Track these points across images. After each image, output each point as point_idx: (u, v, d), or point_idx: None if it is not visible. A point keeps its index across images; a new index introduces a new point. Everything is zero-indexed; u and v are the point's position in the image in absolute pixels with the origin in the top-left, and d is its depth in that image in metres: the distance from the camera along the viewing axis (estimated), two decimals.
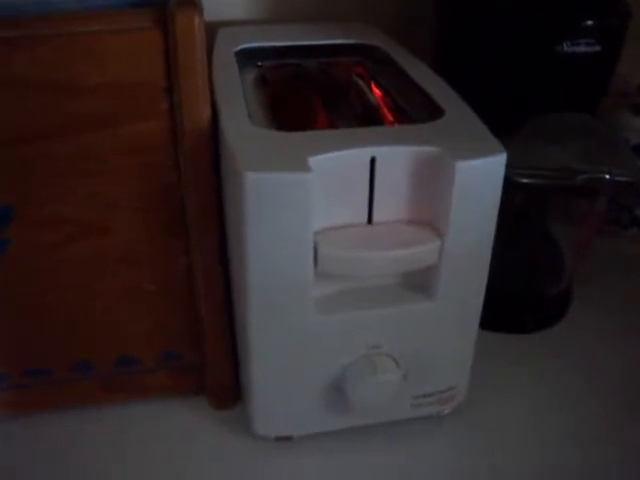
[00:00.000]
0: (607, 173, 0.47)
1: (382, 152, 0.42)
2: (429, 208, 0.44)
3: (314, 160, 0.40)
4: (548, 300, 0.67)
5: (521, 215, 0.60)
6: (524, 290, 0.66)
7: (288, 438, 0.51)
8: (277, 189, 0.39)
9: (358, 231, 0.44)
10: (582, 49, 0.51)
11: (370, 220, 0.44)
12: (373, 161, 0.42)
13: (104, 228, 0.48)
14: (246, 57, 0.58)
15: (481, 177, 0.43)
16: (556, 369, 0.60)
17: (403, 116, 0.50)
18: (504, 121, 0.46)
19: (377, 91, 0.56)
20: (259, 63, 0.59)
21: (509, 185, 0.45)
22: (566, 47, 0.51)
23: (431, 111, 0.48)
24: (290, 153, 0.41)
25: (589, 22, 0.51)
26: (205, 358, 0.53)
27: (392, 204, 0.44)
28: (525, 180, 0.48)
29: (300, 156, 0.40)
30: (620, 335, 0.64)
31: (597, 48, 0.51)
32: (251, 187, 0.39)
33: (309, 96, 0.55)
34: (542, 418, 0.55)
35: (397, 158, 0.42)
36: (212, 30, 0.60)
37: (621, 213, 0.77)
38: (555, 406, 0.56)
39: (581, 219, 0.62)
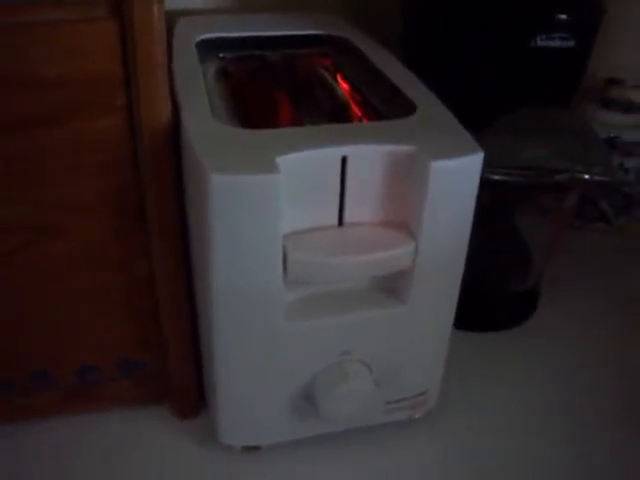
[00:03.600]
0: (586, 173, 0.46)
1: (354, 151, 0.40)
2: (402, 209, 0.42)
3: (282, 160, 0.38)
4: (517, 297, 0.66)
5: (490, 211, 0.59)
6: (493, 287, 0.65)
7: (256, 448, 0.50)
8: (244, 191, 0.37)
9: (328, 234, 0.42)
10: (556, 43, 0.50)
11: (341, 222, 0.42)
12: (344, 160, 0.40)
13: (59, 231, 0.45)
14: (208, 48, 0.55)
15: (457, 177, 0.41)
16: (526, 366, 0.60)
17: (373, 112, 0.48)
18: (476, 116, 0.44)
19: (344, 85, 0.54)
20: (221, 55, 0.56)
21: (484, 183, 0.43)
22: (540, 41, 0.50)
23: (402, 107, 0.46)
24: (257, 153, 0.39)
25: (564, 16, 0.50)
26: (167, 365, 0.51)
27: (364, 205, 0.42)
28: (500, 177, 0.47)
29: (267, 156, 0.38)
30: (588, 329, 0.64)
31: (571, 43, 0.50)
32: (217, 190, 0.37)
33: (274, 90, 0.53)
34: (513, 418, 0.54)
35: (369, 157, 0.41)
36: (171, 19, 0.57)
37: (587, 207, 0.77)
38: (526, 404, 0.56)
39: (551, 215, 0.61)
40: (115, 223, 0.46)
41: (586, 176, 0.46)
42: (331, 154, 0.40)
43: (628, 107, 0.74)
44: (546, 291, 0.67)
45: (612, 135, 0.73)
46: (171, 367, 0.51)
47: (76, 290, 0.48)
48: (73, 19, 0.40)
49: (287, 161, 0.38)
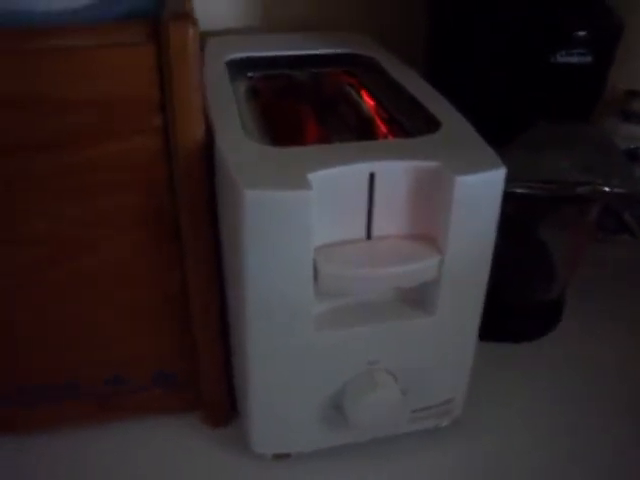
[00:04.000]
0: (606, 185, 0.47)
1: (381, 167, 0.41)
2: (428, 223, 0.44)
3: (313, 176, 0.40)
4: (541, 308, 0.67)
5: (514, 224, 0.60)
6: (517, 298, 0.66)
7: (286, 455, 0.51)
8: (277, 207, 0.39)
9: (357, 247, 0.43)
10: (575, 59, 0.51)
11: (369, 235, 0.44)
12: (372, 176, 0.41)
13: (94, 246, 0.47)
14: (237, 68, 0.57)
15: (480, 192, 0.42)
16: (551, 377, 0.60)
17: (398, 128, 0.50)
18: (498, 131, 0.46)
19: (370, 102, 0.55)
20: (250, 74, 0.58)
21: (507, 196, 0.44)
22: (560, 57, 0.51)
23: (427, 123, 0.48)
24: (289, 170, 0.40)
25: (583, 33, 0.51)
26: (200, 376, 0.52)
27: (391, 219, 0.44)
28: (523, 191, 0.48)
29: (299, 173, 0.40)
30: (614, 340, 0.64)
31: (590, 59, 0.51)
32: (251, 205, 0.39)
33: (301, 108, 0.55)
34: (540, 427, 0.55)
35: (396, 173, 0.42)
36: (201, 40, 0.59)
37: (609, 219, 0.78)
38: (553, 415, 0.56)
39: (574, 227, 0.62)
40: (149, 240, 0.47)
41: (607, 188, 0.47)
42: (360, 170, 0.41)
43: None
44: (571, 303, 0.68)
45: (633, 147, 0.74)
46: (203, 378, 0.52)
47: (109, 305, 0.49)
48: (111, 44, 0.41)
49: (318, 177, 0.40)
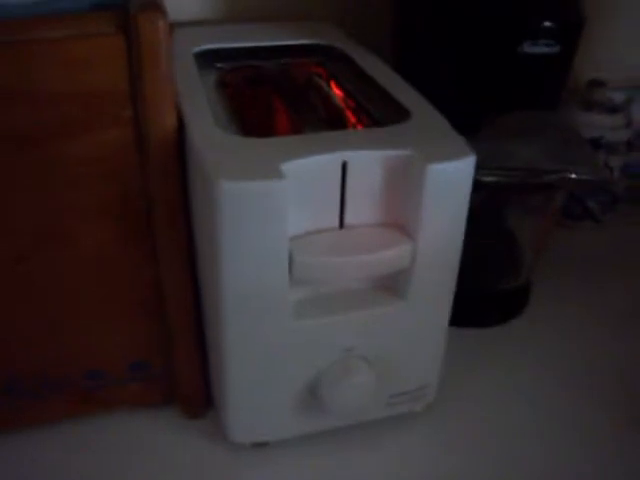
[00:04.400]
0: (573, 172, 0.48)
1: (353, 156, 0.42)
2: (400, 211, 0.44)
3: (286, 166, 0.40)
4: (509, 293, 0.68)
5: (481, 211, 0.61)
6: (484, 285, 0.67)
7: (264, 444, 0.51)
8: (252, 197, 0.39)
9: (331, 236, 0.44)
10: (542, 49, 0.52)
11: (342, 224, 0.44)
12: (344, 165, 0.42)
13: (67, 238, 0.46)
14: (205, 59, 0.57)
15: (451, 179, 0.43)
16: (519, 360, 0.62)
17: (368, 118, 0.50)
18: (466, 120, 0.46)
19: (338, 92, 0.55)
20: (218, 65, 0.58)
21: (476, 184, 0.45)
22: (527, 47, 0.52)
23: (396, 112, 0.48)
24: (262, 160, 0.40)
25: (549, 24, 0.52)
26: (175, 367, 0.52)
27: (363, 208, 0.44)
28: (492, 179, 0.49)
29: (273, 163, 0.40)
30: (579, 324, 0.66)
31: (556, 49, 0.52)
32: (226, 196, 0.39)
33: (271, 98, 0.55)
34: (510, 409, 0.56)
35: (369, 162, 0.42)
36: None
37: (574, 205, 0.79)
38: (521, 397, 0.58)
39: (540, 213, 0.63)
40: (122, 230, 0.47)
41: (574, 175, 0.48)
42: (332, 160, 0.41)
43: (611, 108, 0.76)
44: (537, 288, 0.69)
45: (596, 135, 0.75)
46: (179, 370, 0.52)
47: (84, 295, 0.49)
48: (80, 34, 0.41)
49: (291, 167, 0.40)
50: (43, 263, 0.47)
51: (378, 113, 0.50)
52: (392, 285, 0.47)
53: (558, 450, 0.53)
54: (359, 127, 0.50)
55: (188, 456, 0.51)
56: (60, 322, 0.49)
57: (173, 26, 0.61)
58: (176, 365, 0.52)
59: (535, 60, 0.53)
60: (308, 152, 0.41)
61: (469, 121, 0.47)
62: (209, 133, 0.44)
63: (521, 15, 0.52)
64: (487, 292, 0.67)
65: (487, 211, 0.61)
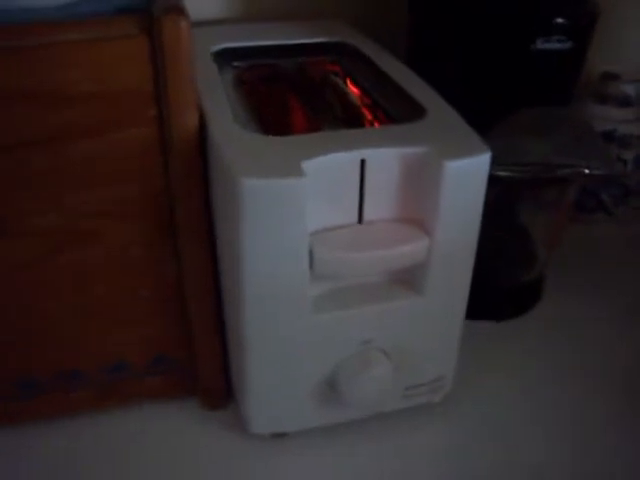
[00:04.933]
0: (586, 167, 0.49)
1: (372, 154, 0.43)
2: (417, 207, 0.45)
3: (306, 164, 0.41)
4: (523, 287, 0.69)
5: (495, 205, 0.62)
6: (499, 278, 0.68)
7: (283, 434, 0.52)
8: (273, 194, 0.40)
9: (350, 232, 0.45)
10: (554, 46, 0.53)
11: (360, 220, 0.45)
12: (363, 162, 0.43)
13: (92, 236, 0.48)
14: (223, 58, 0.58)
15: (467, 176, 0.44)
16: (534, 353, 0.62)
17: (384, 115, 0.51)
18: (480, 117, 0.47)
19: (354, 89, 0.56)
20: (236, 63, 0.59)
21: (490, 179, 0.46)
22: (539, 44, 0.52)
23: (412, 110, 0.49)
24: (283, 158, 0.41)
25: (561, 20, 0.52)
26: (196, 360, 0.54)
27: (381, 204, 0.45)
28: (507, 174, 0.50)
29: (293, 161, 0.41)
30: (592, 316, 0.67)
31: (568, 45, 0.53)
32: (247, 193, 0.40)
33: (288, 96, 0.56)
34: (525, 400, 0.57)
35: (387, 159, 0.43)
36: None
37: (587, 199, 0.80)
38: (533, 390, 0.59)
39: (553, 207, 0.64)
40: (145, 228, 0.48)
41: (586, 170, 0.49)
42: (351, 157, 0.42)
43: (624, 101, 0.77)
44: (550, 281, 0.70)
45: (609, 128, 0.76)
46: (200, 362, 0.54)
47: (107, 291, 0.50)
48: (106, 37, 0.42)
49: (311, 165, 0.41)
50: (68, 261, 0.48)
51: (394, 110, 0.51)
52: (409, 279, 0.48)
53: (570, 444, 0.54)
54: (376, 124, 0.51)
55: (209, 446, 0.53)
56: (83, 317, 0.50)
57: (192, 25, 0.63)
58: (198, 359, 0.53)
59: (548, 56, 0.53)
60: (327, 150, 0.42)
61: (482, 118, 0.48)
62: (230, 131, 0.45)
63: (533, 12, 0.53)
64: (501, 286, 0.68)
65: (501, 206, 0.61)
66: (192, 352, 0.53)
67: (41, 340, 0.51)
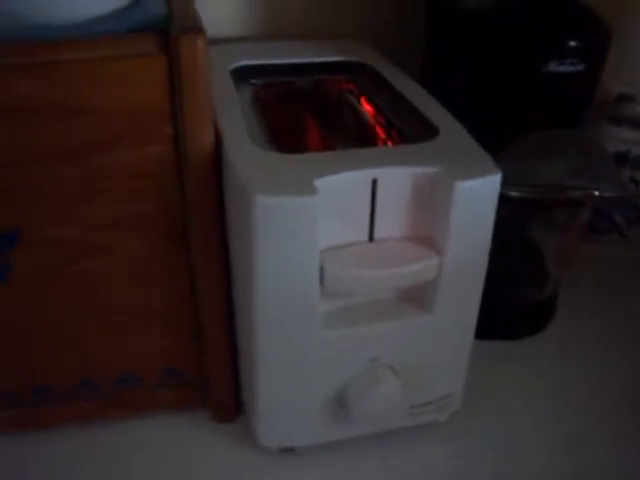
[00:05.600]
0: (596, 190, 0.49)
1: (384, 173, 0.43)
2: (428, 226, 0.46)
3: (319, 182, 0.42)
4: (534, 306, 0.69)
5: (508, 225, 0.62)
6: (510, 297, 0.68)
7: (291, 449, 0.53)
8: (286, 212, 0.41)
9: (360, 249, 0.45)
10: (567, 68, 0.53)
11: (371, 238, 0.46)
12: (375, 181, 0.44)
13: (107, 249, 0.48)
14: (240, 75, 0.59)
15: (478, 196, 0.44)
16: (545, 373, 0.62)
17: (397, 135, 0.52)
18: (492, 138, 0.48)
19: (369, 109, 0.57)
20: (253, 81, 0.60)
21: (501, 199, 0.47)
22: (552, 66, 0.53)
23: (425, 130, 0.50)
24: (296, 176, 0.42)
25: (574, 42, 0.53)
26: (207, 373, 0.54)
27: (392, 222, 0.46)
28: (518, 194, 0.50)
29: (306, 179, 0.42)
30: (605, 338, 0.67)
31: (581, 67, 0.53)
32: (260, 211, 0.40)
33: (304, 114, 0.57)
34: (534, 422, 0.57)
35: (398, 178, 0.44)
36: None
37: (600, 220, 0.80)
38: (546, 410, 0.58)
39: (566, 228, 0.64)
40: (160, 242, 0.49)
41: (597, 193, 0.49)
42: (363, 176, 0.43)
43: (638, 122, 0.77)
44: (563, 302, 0.70)
45: (623, 149, 0.76)
46: (211, 375, 0.54)
47: (122, 303, 0.51)
48: (124, 55, 0.43)
49: (323, 183, 0.42)
50: (81, 272, 0.49)
51: (407, 130, 0.51)
52: (419, 296, 0.48)
53: (580, 466, 0.54)
54: (389, 143, 0.52)
55: (217, 458, 0.53)
56: (95, 328, 0.51)
57: (210, 43, 0.64)
58: (208, 371, 0.54)
59: (560, 79, 0.54)
60: (340, 169, 0.43)
61: (495, 139, 0.48)
62: (245, 149, 0.45)
63: (545, 34, 0.53)
64: (513, 305, 0.68)
65: (514, 225, 0.62)
66: (203, 365, 0.54)
67: (53, 349, 0.51)
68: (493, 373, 0.61)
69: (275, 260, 0.42)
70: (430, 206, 0.45)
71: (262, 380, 0.48)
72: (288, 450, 0.53)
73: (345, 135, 0.53)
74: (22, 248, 0.47)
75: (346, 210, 0.44)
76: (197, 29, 0.43)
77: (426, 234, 0.46)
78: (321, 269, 0.43)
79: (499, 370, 0.62)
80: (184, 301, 0.51)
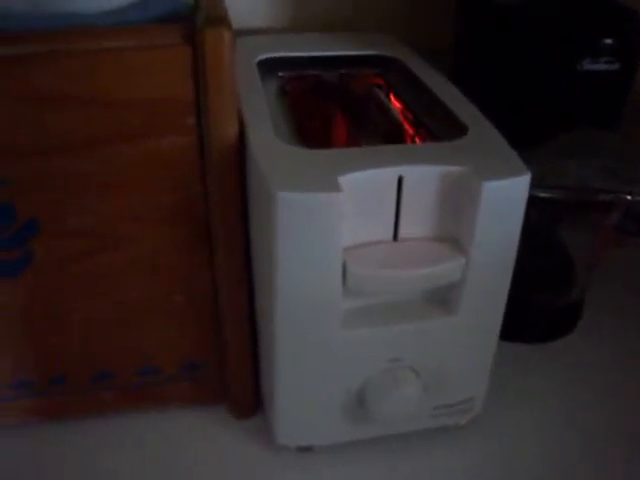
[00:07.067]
0: (629, 193, 0.48)
1: (410, 171, 0.42)
2: (454, 226, 0.45)
3: (343, 179, 0.41)
4: (561, 309, 0.68)
5: (536, 226, 0.61)
6: (537, 300, 0.67)
7: (309, 448, 0.52)
8: (308, 208, 0.40)
9: (385, 248, 0.44)
10: (602, 67, 0.52)
11: (396, 237, 0.45)
12: (400, 180, 0.43)
13: (129, 240, 0.48)
14: (267, 67, 0.58)
15: (506, 197, 0.43)
16: (570, 378, 0.61)
17: (425, 132, 0.51)
18: (525, 137, 0.46)
19: (397, 104, 0.56)
20: (280, 74, 0.59)
21: (530, 200, 0.45)
22: (586, 65, 0.52)
23: (454, 127, 0.49)
24: (320, 172, 0.41)
25: (608, 40, 0.51)
26: (227, 368, 0.54)
27: (418, 221, 0.45)
28: (547, 195, 0.49)
29: (330, 175, 0.41)
30: (633, 343, 0.65)
31: (616, 66, 0.52)
32: (282, 206, 0.40)
33: (330, 108, 0.56)
34: (557, 427, 0.56)
35: (424, 177, 0.43)
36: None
37: (629, 222, 0.78)
38: (569, 415, 0.57)
39: (595, 230, 0.63)
40: (181, 234, 0.48)
41: (628, 197, 0.48)
42: (388, 174, 0.42)
43: None
44: (590, 305, 0.68)
45: None
46: (230, 371, 0.54)
47: (143, 295, 0.50)
48: (149, 45, 0.42)
49: (348, 180, 0.41)
50: (102, 263, 0.48)
51: (435, 127, 0.50)
52: (443, 298, 0.47)
53: (606, 472, 0.52)
54: (417, 140, 0.51)
55: (233, 455, 0.53)
56: (116, 320, 0.51)
57: (237, 34, 0.63)
58: (228, 366, 0.54)
59: (595, 78, 0.52)
60: (365, 165, 0.42)
61: (526, 139, 0.47)
62: (268, 143, 0.45)
63: (580, 32, 0.52)
64: (540, 308, 0.67)
65: (542, 226, 0.60)
66: (223, 360, 0.53)
67: (73, 339, 0.51)
68: (516, 377, 0.60)
69: (296, 257, 0.42)
70: (457, 206, 0.44)
71: (281, 377, 0.48)
72: (306, 449, 0.52)
73: (372, 131, 0.53)
74: (42, 238, 0.47)
75: (371, 208, 0.43)
76: (223, 21, 0.43)
77: (452, 234, 0.45)
78: (344, 268, 0.42)
79: (522, 374, 0.61)
80: (205, 296, 0.51)
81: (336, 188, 0.40)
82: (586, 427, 0.56)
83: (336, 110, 0.55)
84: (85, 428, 0.54)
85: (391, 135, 0.52)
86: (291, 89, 0.57)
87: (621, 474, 0.52)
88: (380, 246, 0.44)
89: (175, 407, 0.56)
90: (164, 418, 0.55)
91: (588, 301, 0.68)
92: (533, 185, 0.44)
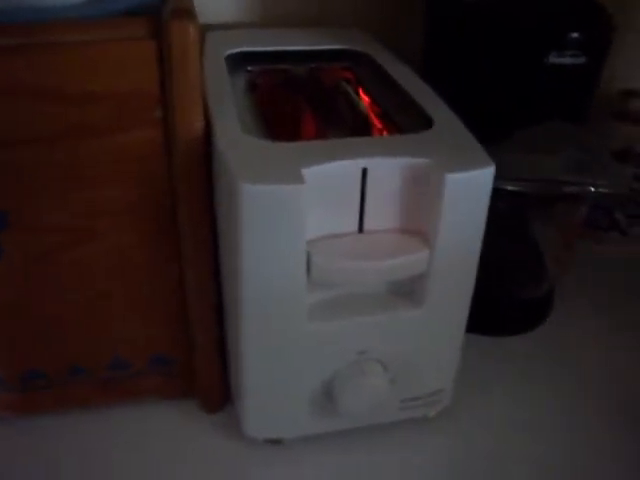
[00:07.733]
0: (591, 185, 0.48)
1: (373, 163, 0.43)
2: (418, 218, 0.45)
3: (307, 171, 0.41)
4: (531, 302, 0.68)
5: (504, 219, 0.61)
6: (506, 292, 0.67)
7: (278, 441, 0.52)
8: (272, 201, 0.40)
9: (349, 240, 0.45)
10: (568, 60, 0.52)
11: (361, 229, 0.45)
12: (364, 172, 0.43)
13: (96, 234, 0.48)
14: (236, 62, 0.58)
15: (470, 189, 0.44)
16: (539, 370, 0.62)
17: (392, 125, 0.51)
18: (491, 131, 0.47)
19: (365, 98, 0.56)
20: (249, 68, 0.59)
21: (495, 193, 0.46)
22: (552, 58, 0.52)
23: (420, 120, 0.49)
24: (284, 164, 0.41)
25: (575, 34, 0.52)
26: (195, 362, 0.54)
27: (382, 213, 0.45)
28: (512, 188, 0.50)
29: (294, 167, 0.41)
30: (601, 337, 0.66)
31: (582, 60, 0.52)
32: (247, 198, 0.40)
33: (298, 102, 0.56)
34: (525, 418, 0.57)
35: (388, 169, 0.43)
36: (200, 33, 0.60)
37: (601, 216, 0.79)
38: (537, 407, 0.58)
39: (564, 224, 0.63)
40: (148, 228, 0.48)
41: (592, 188, 0.49)
42: (352, 166, 0.42)
43: None
44: (559, 298, 0.69)
45: (627, 146, 0.75)
46: (198, 364, 0.54)
47: (111, 289, 0.50)
48: (114, 38, 0.42)
49: (311, 172, 0.41)
50: (71, 258, 0.48)
51: (402, 120, 0.51)
52: (408, 290, 0.47)
53: (569, 463, 0.53)
54: (383, 133, 0.51)
55: (202, 448, 0.53)
56: (85, 314, 0.51)
57: (203, 29, 0.63)
58: (196, 360, 0.54)
59: (561, 71, 0.53)
60: (329, 158, 0.42)
61: (493, 132, 0.47)
62: (234, 136, 0.45)
63: (547, 25, 0.52)
64: (509, 301, 0.68)
65: (510, 220, 0.61)
66: (191, 354, 0.53)
67: (43, 335, 0.51)
68: (484, 369, 0.61)
69: (261, 249, 0.42)
70: (421, 198, 0.44)
71: (248, 370, 0.48)
72: (275, 442, 0.52)
73: (340, 124, 0.53)
74: (11, 232, 0.46)
75: (335, 200, 0.43)
76: (189, 14, 0.43)
77: (417, 226, 0.45)
78: (308, 259, 0.43)
79: (490, 366, 0.61)
80: (172, 289, 0.51)
81: (300, 180, 0.40)
82: (554, 417, 0.57)
83: (304, 104, 0.55)
84: (57, 422, 0.54)
85: (358, 128, 0.52)
86: (260, 83, 0.57)
87: (590, 460, 0.53)
88: (345, 238, 0.44)
89: (144, 401, 0.56)
90: (133, 412, 0.55)
91: (557, 295, 0.69)
92: (501, 178, 0.44)
